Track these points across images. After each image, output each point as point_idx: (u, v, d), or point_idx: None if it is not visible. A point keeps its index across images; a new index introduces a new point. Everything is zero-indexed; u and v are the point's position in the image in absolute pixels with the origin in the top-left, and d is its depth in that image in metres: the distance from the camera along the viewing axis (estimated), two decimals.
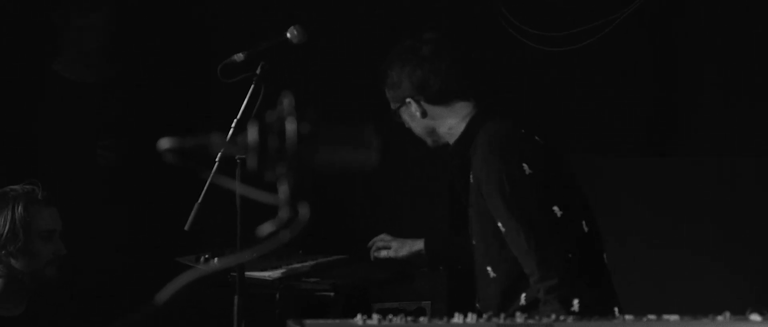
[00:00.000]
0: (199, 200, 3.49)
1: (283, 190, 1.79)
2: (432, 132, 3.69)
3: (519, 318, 2.79)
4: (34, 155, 5.18)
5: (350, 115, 5.24)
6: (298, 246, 4.42)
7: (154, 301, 1.94)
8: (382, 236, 4.13)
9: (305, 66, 5.25)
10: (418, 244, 4.04)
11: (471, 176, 3.53)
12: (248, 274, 3.71)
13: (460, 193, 3.71)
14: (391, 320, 2.48)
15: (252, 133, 1.82)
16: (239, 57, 3.61)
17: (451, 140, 3.66)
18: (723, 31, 5.24)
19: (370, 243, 4.14)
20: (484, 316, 2.83)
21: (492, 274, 3.53)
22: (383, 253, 4.10)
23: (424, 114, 3.64)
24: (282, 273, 4.02)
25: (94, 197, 5.16)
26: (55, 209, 3.97)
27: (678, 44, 5.39)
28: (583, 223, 3.47)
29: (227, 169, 3.24)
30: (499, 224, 3.42)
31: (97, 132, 5.23)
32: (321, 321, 2.46)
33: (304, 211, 1.80)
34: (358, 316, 2.53)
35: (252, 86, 3.56)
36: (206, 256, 4.00)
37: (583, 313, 3.23)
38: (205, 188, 3.44)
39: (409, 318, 2.50)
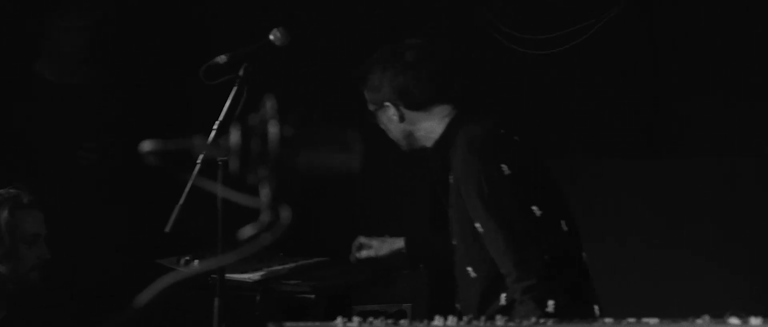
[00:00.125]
0: (180, 202, 3.49)
1: (265, 193, 1.79)
2: (409, 135, 3.67)
3: (499, 321, 2.80)
4: (17, 157, 5.16)
5: (333, 118, 5.25)
6: (278, 248, 4.42)
7: (135, 303, 1.94)
8: (360, 238, 4.14)
9: (288, 68, 5.26)
10: (399, 243, 4.04)
11: (450, 177, 3.54)
12: (229, 276, 3.72)
13: (440, 194, 3.71)
14: (371, 323, 2.48)
15: (234, 136, 1.82)
16: (222, 59, 3.61)
17: (429, 143, 3.65)
18: (719, 31, 5.26)
19: (353, 245, 4.15)
20: (465, 318, 2.84)
21: (473, 275, 3.53)
22: (364, 253, 4.10)
23: (402, 119, 3.62)
24: (262, 275, 4.02)
25: (75, 199, 5.15)
26: (39, 213, 3.96)
27: (670, 44, 5.41)
28: (563, 222, 3.48)
29: (209, 172, 3.24)
30: (478, 225, 3.42)
31: (79, 133, 5.22)
32: (301, 323, 2.46)
33: (285, 214, 1.80)
34: (339, 319, 2.54)
35: (234, 88, 3.56)
36: (187, 258, 4.00)
37: (559, 314, 3.23)
38: (187, 190, 3.44)
39: (389, 320, 2.51)
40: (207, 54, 3.65)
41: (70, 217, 5.04)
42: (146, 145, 1.91)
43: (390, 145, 3.87)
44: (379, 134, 3.76)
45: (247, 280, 3.99)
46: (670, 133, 5.46)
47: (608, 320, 2.57)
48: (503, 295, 3.44)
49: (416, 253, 4.05)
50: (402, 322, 2.52)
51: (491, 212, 3.36)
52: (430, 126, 3.62)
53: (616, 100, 5.47)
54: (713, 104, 5.29)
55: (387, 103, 3.62)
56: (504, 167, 3.38)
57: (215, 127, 3.48)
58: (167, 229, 3.52)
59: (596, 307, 3.49)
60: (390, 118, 3.64)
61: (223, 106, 3.53)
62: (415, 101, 3.59)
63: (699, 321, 2.48)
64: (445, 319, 2.65)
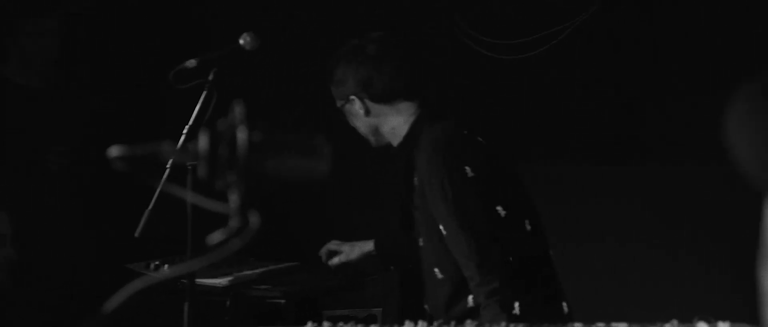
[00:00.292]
0: (150, 207, 3.49)
1: (234, 198, 1.79)
2: (375, 131, 3.70)
3: (469, 325, 2.81)
4: None
5: (301, 123, 5.25)
6: (249, 253, 4.42)
7: (104, 308, 1.93)
8: (330, 243, 4.15)
9: (258, 72, 5.25)
10: (369, 245, 4.06)
11: (415, 178, 3.55)
12: (199, 280, 3.71)
13: (405, 194, 3.72)
14: None
15: (203, 142, 1.82)
16: (191, 63, 3.60)
17: (395, 141, 3.67)
18: (691, 37, 5.29)
19: (321, 252, 4.15)
20: (435, 323, 2.85)
21: (440, 276, 3.55)
22: (336, 260, 4.12)
23: (367, 112, 3.65)
24: (232, 280, 4.01)
25: (44, 204, 5.12)
26: (4, 214, 3.94)
27: (635, 50, 5.43)
28: (526, 222, 3.49)
29: (179, 176, 3.23)
30: (441, 227, 3.43)
31: (49, 137, 5.19)
32: None
33: (254, 219, 1.80)
34: (309, 324, 2.54)
35: (204, 93, 3.56)
36: (156, 263, 3.99)
37: (526, 315, 3.24)
38: (156, 195, 3.43)
39: (360, 325, 2.51)
40: (180, 57, 3.64)
41: (39, 221, 5.02)
42: (114, 151, 1.91)
43: (360, 148, 3.88)
44: (349, 137, 3.77)
45: (217, 285, 3.98)
46: (638, 139, 5.48)
47: (578, 325, 2.59)
48: (470, 297, 3.46)
49: (386, 255, 4.06)
50: (372, 326, 2.53)
51: (454, 215, 3.37)
52: (396, 122, 3.64)
53: (584, 105, 5.49)
54: (683, 111, 5.31)
55: (352, 97, 3.64)
56: (467, 169, 3.39)
57: (185, 131, 3.47)
58: (137, 233, 3.51)
59: (564, 305, 3.51)
60: (356, 112, 3.66)
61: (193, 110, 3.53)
62: (378, 93, 3.61)
63: (667, 325, 2.49)
64: (416, 324, 2.66)
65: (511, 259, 3.35)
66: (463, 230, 3.35)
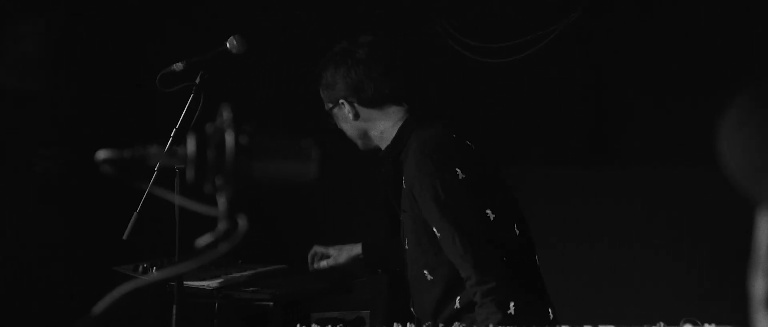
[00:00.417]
0: (137, 210, 3.49)
1: (222, 201, 1.80)
2: (364, 135, 3.71)
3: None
4: None
5: (290, 126, 5.25)
6: (237, 256, 4.42)
7: (92, 312, 1.94)
8: (315, 248, 4.16)
9: (245, 75, 5.26)
10: (356, 249, 4.07)
11: (403, 182, 3.55)
12: (187, 283, 3.72)
13: (392, 198, 3.73)
14: None
15: (190, 145, 1.82)
16: (178, 66, 3.61)
17: (383, 145, 3.68)
18: (662, 42, 5.30)
19: (309, 255, 4.16)
20: (424, 326, 2.86)
21: (429, 278, 3.55)
22: (323, 263, 4.13)
23: (356, 116, 3.66)
24: (220, 282, 4.02)
25: (30, 207, 5.12)
26: None
27: (619, 54, 5.45)
28: (515, 226, 3.50)
29: (167, 179, 3.24)
30: (434, 229, 3.43)
31: (35, 140, 5.19)
32: None
33: (242, 222, 1.80)
34: (297, 326, 2.55)
35: (191, 96, 3.56)
36: (145, 265, 3.99)
37: (520, 315, 3.26)
38: (144, 198, 3.44)
39: None
40: (167, 60, 3.65)
41: (26, 224, 5.02)
42: (102, 154, 1.91)
43: (348, 152, 3.89)
44: (337, 141, 3.78)
45: (206, 288, 3.98)
46: (617, 142, 5.49)
47: None
48: (458, 298, 3.46)
49: (374, 258, 4.07)
50: None
51: (447, 217, 3.38)
52: (384, 127, 3.65)
53: (563, 109, 5.50)
54: (667, 113, 5.33)
55: (341, 101, 3.65)
56: (458, 172, 3.40)
57: (172, 134, 3.48)
58: (125, 236, 3.52)
59: (550, 310, 3.52)
60: (345, 116, 3.67)
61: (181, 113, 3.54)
62: (368, 97, 3.62)
63: None
64: (404, 326, 2.66)
65: (505, 259, 3.36)
66: (458, 231, 3.36)
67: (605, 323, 2.54)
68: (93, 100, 5.40)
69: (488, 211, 3.39)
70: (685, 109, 5.20)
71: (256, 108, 5.17)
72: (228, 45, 3.67)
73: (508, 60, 5.33)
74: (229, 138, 1.79)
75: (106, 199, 4.58)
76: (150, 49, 5.36)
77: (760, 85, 1.45)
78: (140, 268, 4.00)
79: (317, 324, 2.79)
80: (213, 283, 4.00)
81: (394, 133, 3.64)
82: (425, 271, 3.56)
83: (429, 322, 3.55)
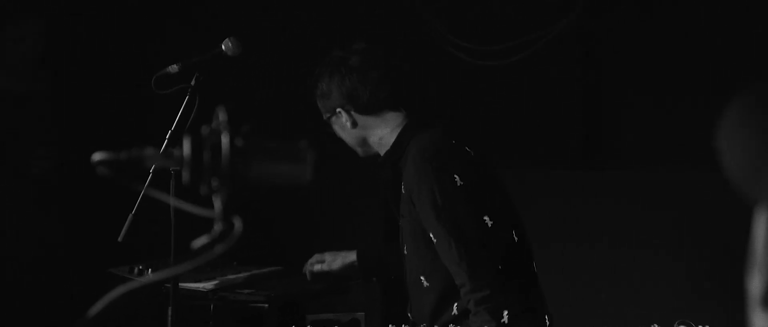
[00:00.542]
0: (133, 211, 3.49)
1: (218, 203, 1.80)
2: (363, 142, 3.71)
3: None
4: None
5: (285, 128, 5.25)
6: (232, 257, 4.42)
7: (88, 314, 1.94)
8: (316, 256, 4.16)
9: (245, 76, 5.26)
10: (351, 256, 4.07)
11: (402, 187, 3.55)
12: (182, 285, 3.71)
13: (391, 204, 3.73)
14: None
15: (186, 146, 1.83)
16: (173, 68, 3.61)
17: (382, 151, 3.68)
18: (662, 42, 5.30)
19: (304, 269, 4.17)
20: None
21: (425, 284, 3.54)
22: (317, 267, 4.13)
23: (354, 124, 3.66)
24: (216, 284, 4.01)
25: (27, 207, 5.12)
26: None
27: (614, 56, 5.45)
28: (513, 232, 3.50)
29: (162, 181, 3.24)
30: (431, 235, 3.43)
31: (32, 142, 5.18)
32: None
33: (238, 224, 1.80)
34: None
35: (186, 97, 3.56)
36: (140, 267, 3.99)
37: (513, 325, 3.26)
38: (139, 200, 3.44)
39: None
40: (166, 61, 3.65)
41: (22, 225, 5.01)
42: (97, 156, 1.91)
43: (344, 155, 3.89)
44: (332, 145, 3.78)
45: (201, 289, 3.98)
46: (616, 144, 5.50)
47: None
48: (455, 304, 3.46)
49: (369, 266, 4.07)
50: None
51: (444, 223, 3.37)
52: (383, 133, 3.65)
53: (560, 111, 5.50)
54: (661, 116, 5.33)
55: (338, 110, 3.65)
56: (456, 178, 3.39)
57: (167, 136, 3.48)
58: (120, 238, 3.52)
59: (546, 318, 3.51)
60: (343, 124, 3.67)
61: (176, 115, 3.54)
62: (364, 105, 3.61)
63: None
64: None
65: (500, 267, 3.35)
66: (454, 237, 3.35)
67: (601, 325, 2.54)
68: (89, 101, 5.40)
69: (486, 218, 3.39)
70: (684, 110, 5.20)
71: (256, 108, 5.18)
72: (223, 47, 3.67)
73: (504, 62, 5.34)
74: (225, 140, 1.79)
75: (101, 201, 4.58)
76: (150, 49, 5.36)
77: (759, 86, 1.45)
78: (136, 270, 3.99)
79: (312, 326, 2.79)
80: (208, 285, 4.00)
81: (393, 138, 3.63)
82: (422, 277, 3.55)
83: (424, 324, 3.56)
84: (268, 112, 5.38)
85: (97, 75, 5.45)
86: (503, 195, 3.58)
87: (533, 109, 5.51)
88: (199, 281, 4.01)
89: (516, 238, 3.48)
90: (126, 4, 5.51)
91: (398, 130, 3.62)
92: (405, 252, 3.62)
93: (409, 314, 3.70)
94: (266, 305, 3.97)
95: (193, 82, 3.59)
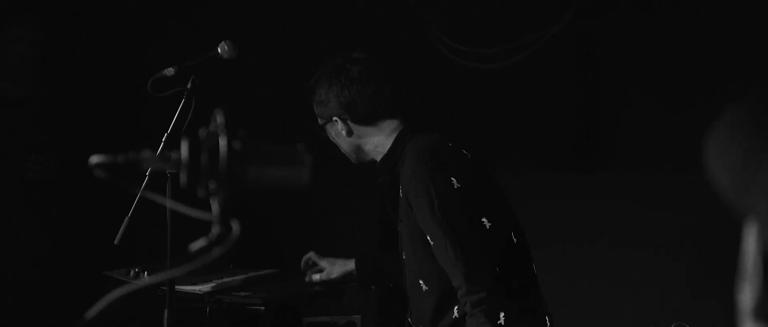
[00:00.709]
0: (129, 214, 3.49)
1: (215, 206, 1.80)
2: (357, 150, 3.71)
3: None
4: None
5: (285, 129, 5.26)
6: (228, 260, 4.42)
7: (84, 316, 1.94)
8: (310, 255, 4.16)
9: (245, 76, 5.27)
10: (349, 265, 4.08)
11: (400, 191, 3.55)
12: (178, 287, 3.72)
13: (390, 208, 3.73)
14: None
15: (184, 149, 1.83)
16: (170, 71, 3.61)
17: (378, 157, 3.68)
18: (661, 43, 5.31)
19: (302, 262, 4.17)
20: None
21: (424, 288, 3.54)
22: (316, 277, 4.15)
23: (349, 133, 3.66)
24: (212, 287, 4.01)
25: (23, 210, 5.11)
26: None
27: (614, 56, 5.46)
28: (512, 234, 3.50)
29: (158, 183, 3.24)
30: (428, 238, 3.43)
31: (28, 145, 5.18)
32: None
33: (235, 226, 1.81)
34: None
35: (182, 100, 3.57)
36: (136, 270, 3.99)
37: (511, 326, 3.26)
38: (135, 203, 3.44)
39: None
40: (166, 61, 3.65)
41: (18, 228, 5.01)
42: (94, 159, 1.91)
43: (342, 157, 3.89)
44: (329, 149, 3.78)
45: (197, 292, 3.98)
46: (614, 145, 5.50)
47: None
48: (456, 308, 3.46)
49: (367, 274, 4.07)
50: None
51: (441, 225, 3.37)
52: (379, 140, 3.65)
53: (558, 112, 5.51)
54: (657, 119, 5.34)
55: (335, 118, 3.64)
56: (453, 180, 3.39)
57: (163, 139, 3.48)
58: (116, 241, 3.52)
59: (547, 319, 3.51)
60: (338, 132, 3.67)
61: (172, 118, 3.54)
62: (361, 115, 3.62)
63: None
64: None
65: (498, 269, 3.35)
66: (450, 240, 3.35)
67: (601, 325, 2.54)
68: (86, 104, 5.39)
69: (484, 219, 3.39)
70: (684, 110, 5.21)
71: (256, 109, 5.19)
72: (219, 50, 3.67)
73: (499, 65, 5.34)
74: (223, 142, 1.79)
75: (98, 204, 4.58)
76: (149, 50, 5.36)
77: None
78: (132, 273, 3.99)
79: None
80: (204, 288, 4.00)
81: (389, 144, 3.63)
82: (421, 281, 3.55)
83: None
84: (267, 112, 5.38)
85: (95, 77, 5.45)
86: (501, 197, 3.58)
87: (533, 111, 5.51)
88: (196, 284, 4.01)
89: (515, 239, 3.49)
90: (125, 4, 5.51)
91: (394, 135, 3.63)
92: (403, 256, 3.63)
93: (409, 319, 3.70)
94: (262, 308, 3.98)
95: (189, 86, 3.59)
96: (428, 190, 3.39)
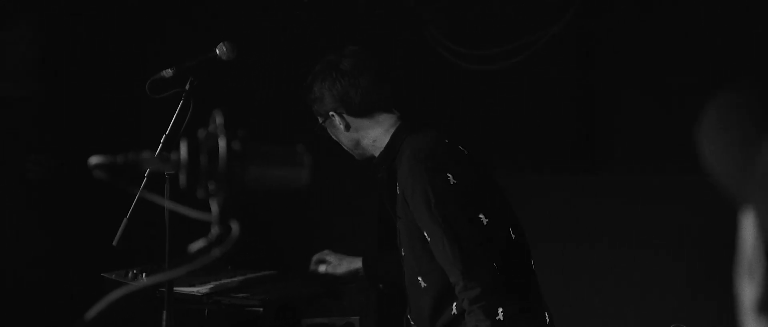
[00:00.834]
0: (127, 215, 3.49)
1: (214, 207, 1.79)
2: (357, 144, 3.72)
3: None
4: None
5: (285, 129, 5.26)
6: (227, 261, 4.42)
7: (83, 318, 1.93)
8: (326, 252, 4.17)
9: (245, 76, 5.26)
10: (356, 263, 4.08)
11: (397, 188, 3.55)
12: (177, 289, 3.71)
13: (388, 205, 3.73)
14: None
15: (183, 150, 1.82)
16: (168, 73, 3.61)
17: (376, 152, 3.69)
18: (654, 46, 5.31)
19: (313, 258, 4.18)
20: None
21: (423, 285, 3.54)
22: (322, 268, 4.14)
23: (347, 127, 3.67)
24: (211, 288, 4.01)
25: (22, 211, 5.11)
26: None
27: (609, 59, 5.46)
28: (510, 230, 3.50)
29: (157, 184, 3.23)
30: (425, 234, 3.43)
31: (27, 146, 5.18)
32: None
33: (235, 227, 1.80)
34: None
35: (181, 102, 3.56)
36: (135, 271, 3.99)
37: (510, 322, 3.26)
38: (134, 204, 3.43)
39: None
40: (166, 61, 3.65)
41: (17, 229, 5.01)
42: (94, 159, 1.91)
43: (340, 157, 3.89)
44: (328, 149, 3.78)
45: (196, 293, 3.97)
46: (608, 149, 5.50)
47: None
48: (454, 304, 3.46)
49: (374, 274, 4.07)
50: None
51: (438, 221, 3.37)
52: (376, 135, 3.66)
53: (557, 113, 5.51)
54: (656, 120, 5.34)
55: (331, 113, 3.66)
56: (450, 177, 3.39)
57: (162, 140, 3.48)
58: (115, 242, 3.51)
59: (546, 314, 3.51)
60: (336, 127, 3.69)
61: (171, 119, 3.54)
62: (356, 107, 3.63)
63: None
64: None
65: (495, 266, 3.35)
66: (447, 236, 3.35)
67: (601, 325, 2.54)
68: (85, 105, 5.39)
69: (481, 216, 3.39)
70: (684, 111, 5.20)
71: (256, 108, 5.19)
72: (217, 51, 3.67)
73: (499, 66, 5.34)
74: (222, 143, 1.79)
75: (96, 205, 4.57)
76: (149, 50, 5.36)
77: (739, 85, 1.45)
78: (130, 274, 3.99)
79: None
80: (203, 289, 3.99)
81: (386, 140, 3.64)
82: (419, 278, 3.55)
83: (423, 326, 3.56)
84: (267, 112, 5.38)
85: (94, 77, 5.45)
86: (498, 193, 3.58)
87: (533, 111, 5.51)
88: (194, 285, 4.01)
89: (513, 236, 3.49)
90: (125, 4, 5.51)
91: (391, 131, 3.64)
92: (402, 253, 3.63)
93: (408, 316, 3.70)
94: (261, 309, 3.97)
95: (187, 87, 3.59)
96: (425, 188, 3.39)
